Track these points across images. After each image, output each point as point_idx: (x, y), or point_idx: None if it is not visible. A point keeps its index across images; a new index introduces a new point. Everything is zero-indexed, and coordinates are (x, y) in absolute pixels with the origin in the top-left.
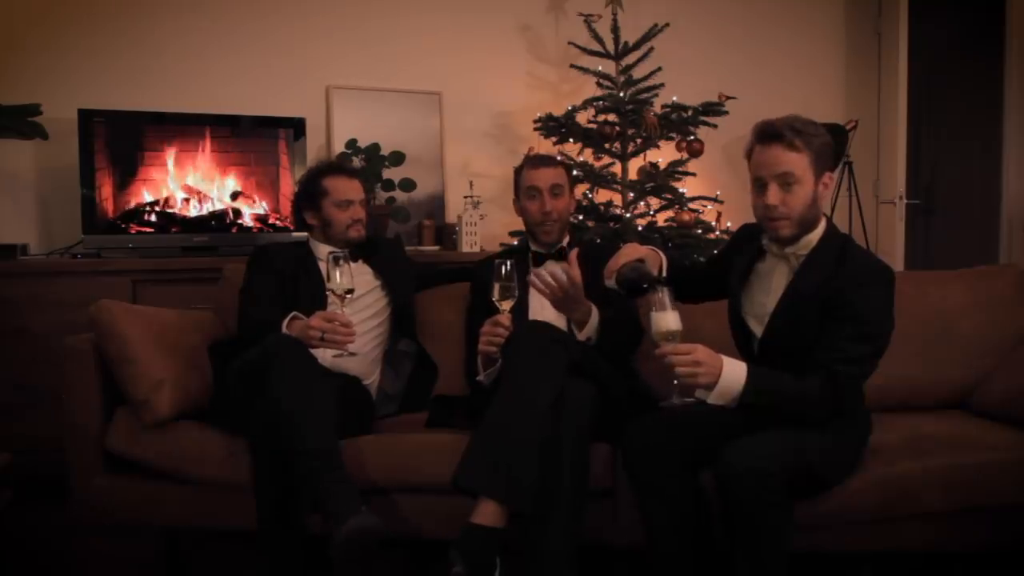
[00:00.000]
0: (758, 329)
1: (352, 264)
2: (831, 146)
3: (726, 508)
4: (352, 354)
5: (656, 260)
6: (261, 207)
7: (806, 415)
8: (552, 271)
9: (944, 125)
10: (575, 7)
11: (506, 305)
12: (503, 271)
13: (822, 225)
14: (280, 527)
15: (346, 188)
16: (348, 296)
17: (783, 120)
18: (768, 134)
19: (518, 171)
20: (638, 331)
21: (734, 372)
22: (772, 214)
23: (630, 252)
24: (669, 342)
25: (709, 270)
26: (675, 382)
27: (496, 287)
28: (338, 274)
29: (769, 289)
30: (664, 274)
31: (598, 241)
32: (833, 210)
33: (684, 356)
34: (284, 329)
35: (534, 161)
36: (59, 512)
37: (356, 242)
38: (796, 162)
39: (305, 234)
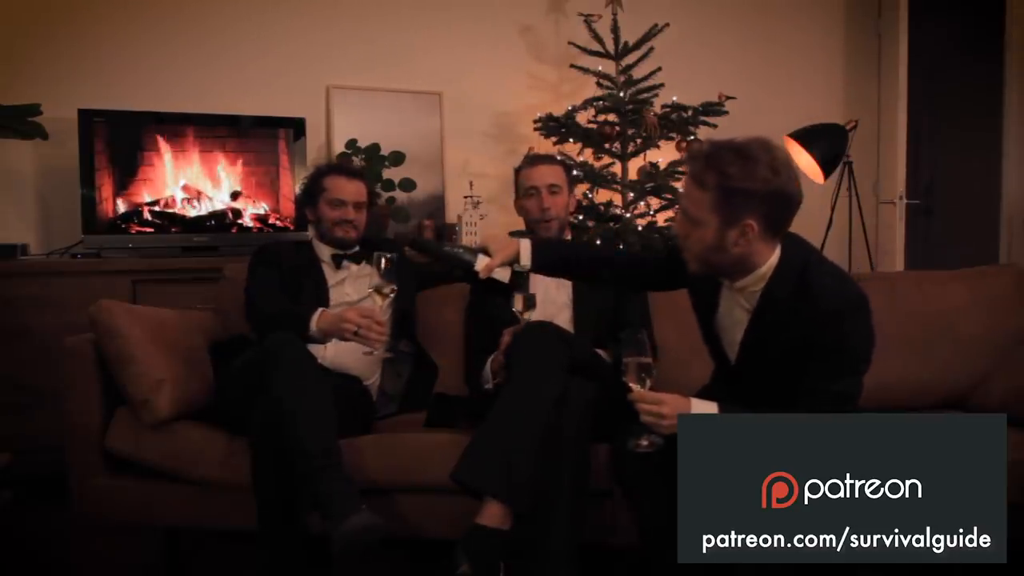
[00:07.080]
0: (731, 354)
1: (355, 266)
2: (774, 195)
3: None
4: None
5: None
6: (261, 207)
7: None
8: None
9: (944, 125)
10: (575, 7)
11: (528, 315)
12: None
13: (773, 259)
14: (280, 526)
15: (342, 187)
16: (391, 295)
17: (720, 145)
18: (688, 155)
19: (518, 171)
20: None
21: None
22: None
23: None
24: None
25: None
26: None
27: (519, 298)
28: (381, 271)
29: (732, 318)
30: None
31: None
32: (833, 210)
33: (650, 406)
34: (314, 321)
35: (532, 160)
36: (59, 512)
37: (344, 243)
38: (696, 200)
39: (307, 234)
